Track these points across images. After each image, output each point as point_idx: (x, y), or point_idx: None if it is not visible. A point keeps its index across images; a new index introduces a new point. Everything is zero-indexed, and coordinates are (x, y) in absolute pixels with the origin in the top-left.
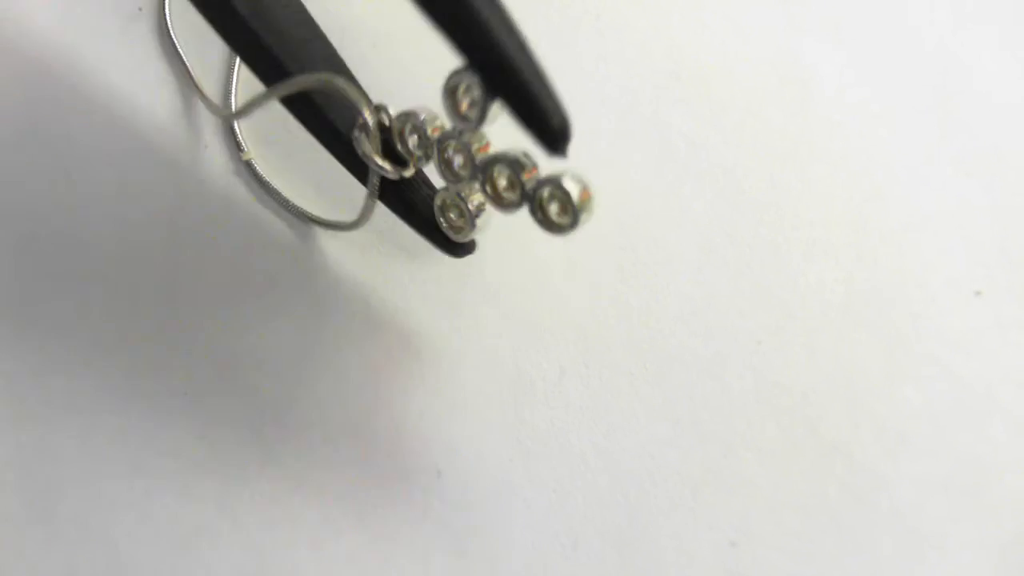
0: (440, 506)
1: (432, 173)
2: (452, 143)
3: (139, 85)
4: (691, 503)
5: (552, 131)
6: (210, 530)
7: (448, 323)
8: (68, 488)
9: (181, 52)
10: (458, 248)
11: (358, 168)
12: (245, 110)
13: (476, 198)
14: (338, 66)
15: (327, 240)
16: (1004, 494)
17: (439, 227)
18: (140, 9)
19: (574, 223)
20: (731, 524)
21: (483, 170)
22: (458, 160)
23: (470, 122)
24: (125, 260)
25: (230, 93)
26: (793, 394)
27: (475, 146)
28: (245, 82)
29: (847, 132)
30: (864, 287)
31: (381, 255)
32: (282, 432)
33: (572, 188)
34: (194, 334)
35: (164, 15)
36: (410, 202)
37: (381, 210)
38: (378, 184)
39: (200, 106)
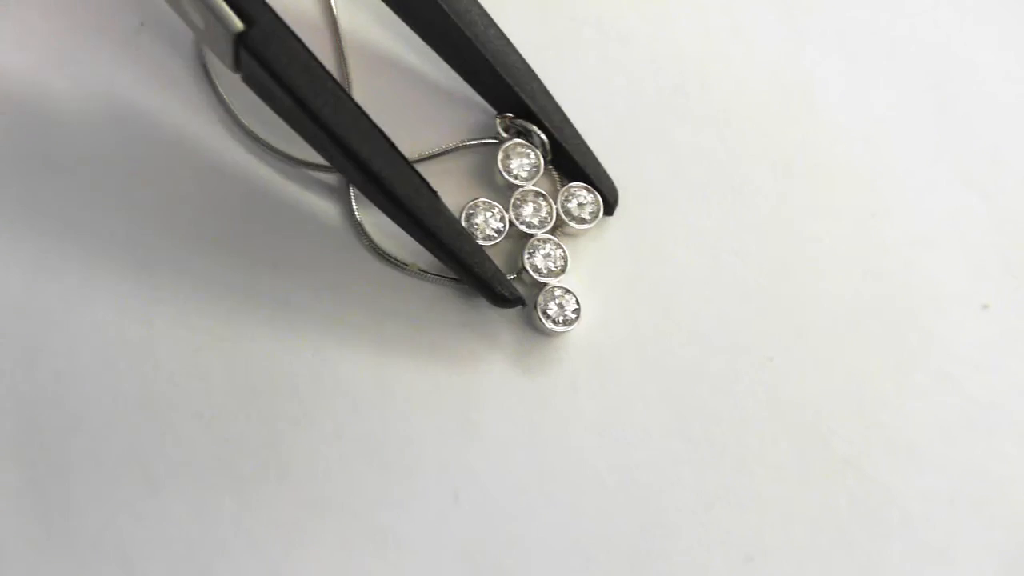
0: (456, 529)
1: None
2: None
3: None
4: (704, 519)
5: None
6: (226, 549)
7: (464, 343)
8: (81, 505)
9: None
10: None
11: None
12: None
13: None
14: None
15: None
16: (1013, 507)
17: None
18: (142, 23)
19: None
20: (745, 539)
21: None
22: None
23: None
24: (136, 272)
25: None
26: (805, 410)
27: None
28: None
29: (852, 146)
30: (872, 302)
31: (393, 275)
32: (299, 451)
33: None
34: (206, 354)
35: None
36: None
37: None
38: None
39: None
